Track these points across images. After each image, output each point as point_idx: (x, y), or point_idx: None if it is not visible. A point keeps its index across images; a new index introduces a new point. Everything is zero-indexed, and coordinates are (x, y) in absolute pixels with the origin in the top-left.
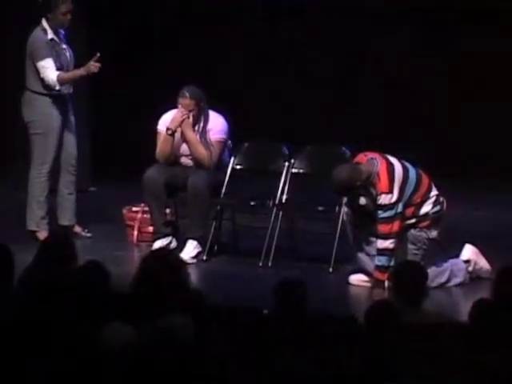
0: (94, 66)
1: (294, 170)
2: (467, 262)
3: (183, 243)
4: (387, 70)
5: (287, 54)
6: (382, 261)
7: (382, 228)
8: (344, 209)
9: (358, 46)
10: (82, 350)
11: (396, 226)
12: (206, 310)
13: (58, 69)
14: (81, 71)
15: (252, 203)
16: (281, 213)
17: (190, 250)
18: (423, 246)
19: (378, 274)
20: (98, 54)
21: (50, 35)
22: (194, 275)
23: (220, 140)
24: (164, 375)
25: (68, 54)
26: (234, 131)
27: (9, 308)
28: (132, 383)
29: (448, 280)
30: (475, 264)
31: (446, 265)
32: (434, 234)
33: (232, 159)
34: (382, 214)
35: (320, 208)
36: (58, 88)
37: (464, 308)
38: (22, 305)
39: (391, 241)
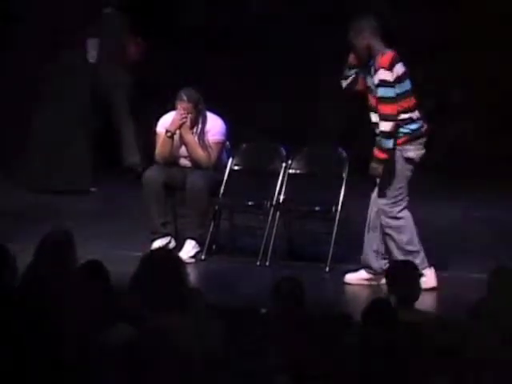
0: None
1: (291, 171)
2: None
3: (182, 243)
4: None
5: (286, 53)
6: (382, 142)
7: (382, 108)
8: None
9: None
10: (82, 349)
11: (394, 108)
12: (204, 309)
13: None
14: None
15: (249, 203)
16: (278, 213)
17: (188, 250)
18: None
19: (377, 153)
20: None
21: None
22: (192, 274)
23: (218, 141)
24: (162, 374)
25: None
26: (231, 132)
27: (8, 307)
28: (130, 383)
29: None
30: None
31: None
32: (410, 154)
33: (230, 160)
34: (380, 92)
35: (317, 208)
36: None
37: (458, 307)
38: (22, 304)
39: (391, 124)
